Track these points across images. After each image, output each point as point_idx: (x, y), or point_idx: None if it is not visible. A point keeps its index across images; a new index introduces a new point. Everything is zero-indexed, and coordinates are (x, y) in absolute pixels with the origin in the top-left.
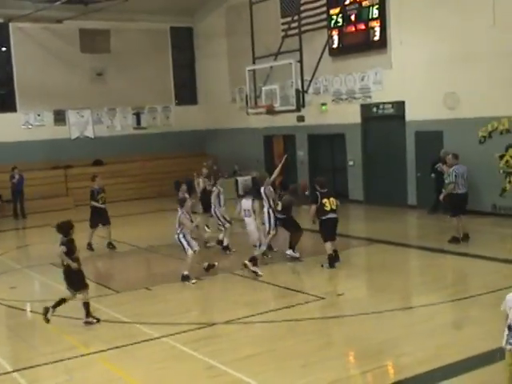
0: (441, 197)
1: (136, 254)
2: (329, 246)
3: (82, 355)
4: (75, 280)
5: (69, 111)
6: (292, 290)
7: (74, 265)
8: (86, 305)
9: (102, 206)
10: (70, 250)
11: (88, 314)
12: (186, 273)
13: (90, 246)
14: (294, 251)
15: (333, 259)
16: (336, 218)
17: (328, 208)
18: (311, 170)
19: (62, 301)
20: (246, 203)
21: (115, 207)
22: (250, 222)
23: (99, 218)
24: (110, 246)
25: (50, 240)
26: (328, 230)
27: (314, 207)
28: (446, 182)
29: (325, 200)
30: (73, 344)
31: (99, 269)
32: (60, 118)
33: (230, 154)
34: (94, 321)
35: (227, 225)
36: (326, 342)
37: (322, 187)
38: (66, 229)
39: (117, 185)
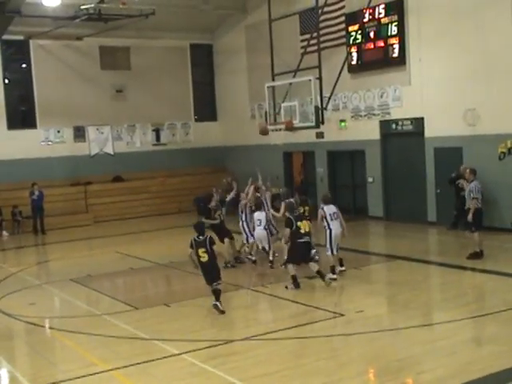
0: (469, 217)
1: (156, 270)
2: (291, 268)
3: (101, 371)
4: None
5: (88, 128)
6: (312, 306)
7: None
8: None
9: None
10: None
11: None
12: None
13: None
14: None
15: (296, 280)
16: (309, 242)
17: (302, 231)
18: (331, 186)
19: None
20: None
21: (135, 223)
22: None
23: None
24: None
25: (69, 256)
26: (300, 252)
27: (288, 230)
28: (471, 196)
29: (299, 223)
30: (92, 361)
31: (118, 285)
32: (80, 134)
33: (250, 170)
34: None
35: (251, 239)
36: (347, 360)
37: (292, 212)
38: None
39: (137, 201)
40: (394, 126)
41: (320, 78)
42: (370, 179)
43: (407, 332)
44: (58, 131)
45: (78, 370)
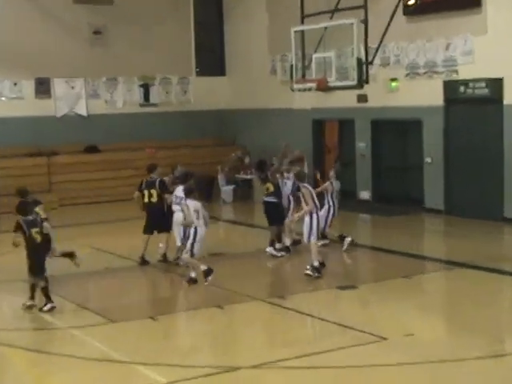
0: None
1: (141, 272)
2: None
3: None
4: None
5: (55, 80)
6: (343, 325)
7: None
8: None
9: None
10: None
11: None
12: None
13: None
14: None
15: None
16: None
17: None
18: (375, 168)
19: None
20: None
21: (115, 208)
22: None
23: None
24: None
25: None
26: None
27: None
28: None
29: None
30: None
31: (90, 290)
32: (43, 89)
33: (268, 143)
34: None
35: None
36: None
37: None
38: None
39: (117, 180)
40: (462, 88)
41: (366, 22)
42: (428, 160)
43: (470, 364)
44: (15, 84)
45: None
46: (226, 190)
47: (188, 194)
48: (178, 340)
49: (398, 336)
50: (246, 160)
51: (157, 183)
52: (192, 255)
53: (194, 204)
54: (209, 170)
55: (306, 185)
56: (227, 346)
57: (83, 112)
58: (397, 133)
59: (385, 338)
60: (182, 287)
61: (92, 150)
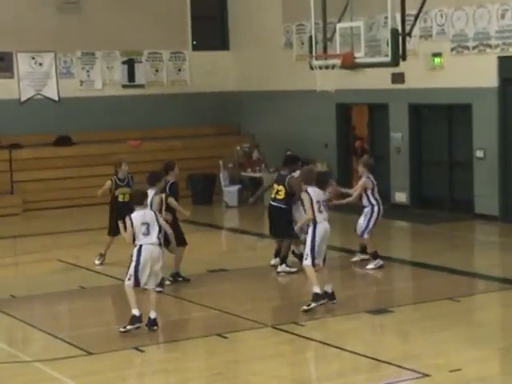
0: None
1: (121, 292)
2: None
3: None
4: None
5: (18, 55)
6: (376, 359)
7: None
8: None
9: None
10: None
11: None
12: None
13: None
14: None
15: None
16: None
17: None
18: (413, 164)
19: None
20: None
21: (91, 213)
22: None
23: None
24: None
25: None
26: None
27: None
28: None
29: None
30: None
31: (60, 314)
32: (3, 66)
33: (281, 133)
34: None
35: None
36: None
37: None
38: None
39: (94, 178)
40: None
41: None
42: (480, 153)
43: None
44: None
45: None
46: (230, 192)
47: (136, 201)
48: (170, 377)
49: (442, 372)
50: (255, 154)
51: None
52: (137, 284)
53: (141, 215)
54: (208, 166)
55: (309, 189)
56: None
57: (53, 95)
58: (441, 120)
59: (427, 375)
60: (175, 310)
61: (64, 141)
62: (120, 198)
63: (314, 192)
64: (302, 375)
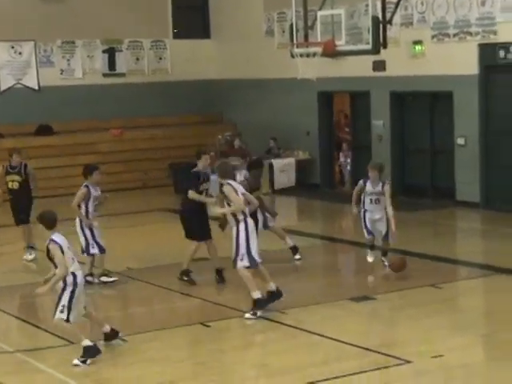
0: None
1: (104, 283)
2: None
3: None
4: None
5: None
6: (358, 346)
7: None
8: None
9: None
10: None
11: None
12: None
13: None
14: None
15: None
16: None
17: None
18: (395, 152)
19: None
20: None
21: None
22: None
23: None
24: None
25: None
26: None
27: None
28: None
29: None
30: None
31: (42, 304)
32: None
33: (263, 122)
34: None
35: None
36: None
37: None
38: None
39: (75, 167)
40: (502, 53)
41: None
42: (461, 141)
43: None
44: None
45: None
46: (212, 180)
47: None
48: (153, 367)
49: (425, 359)
50: (236, 143)
51: None
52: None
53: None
54: (190, 155)
55: (229, 181)
56: (214, 374)
57: (33, 84)
58: (422, 108)
59: (409, 362)
60: (158, 300)
61: (44, 131)
62: (9, 185)
63: (235, 184)
64: (285, 363)
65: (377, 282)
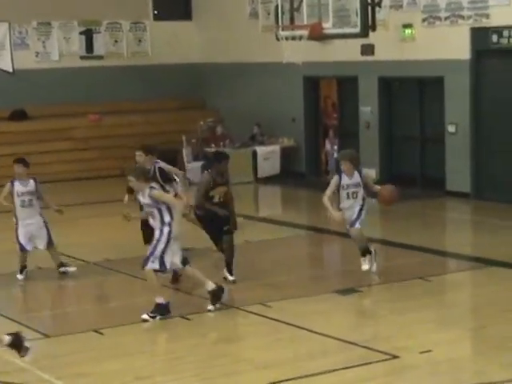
0: None
1: (81, 274)
2: None
3: None
4: None
5: None
6: (343, 340)
7: None
8: None
9: None
10: None
11: None
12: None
13: None
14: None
15: None
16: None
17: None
18: (383, 139)
19: None
20: None
21: (50, 189)
22: None
23: None
24: None
25: None
26: None
27: None
28: None
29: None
30: None
31: (17, 296)
32: None
33: (247, 107)
34: None
35: None
36: None
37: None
38: None
39: (51, 154)
40: (494, 37)
41: None
42: (452, 128)
43: None
44: None
45: None
46: (194, 168)
47: None
48: (130, 360)
49: (412, 353)
50: (219, 129)
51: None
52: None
53: None
54: (171, 141)
55: (154, 185)
56: (193, 368)
57: (7, 67)
58: (411, 94)
59: (396, 357)
60: (135, 293)
61: (19, 116)
62: None
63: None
64: (268, 358)
65: (363, 274)
